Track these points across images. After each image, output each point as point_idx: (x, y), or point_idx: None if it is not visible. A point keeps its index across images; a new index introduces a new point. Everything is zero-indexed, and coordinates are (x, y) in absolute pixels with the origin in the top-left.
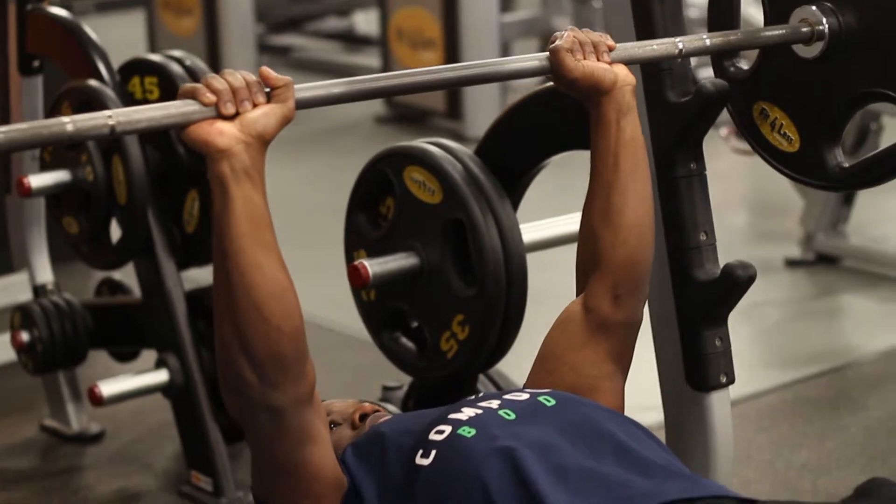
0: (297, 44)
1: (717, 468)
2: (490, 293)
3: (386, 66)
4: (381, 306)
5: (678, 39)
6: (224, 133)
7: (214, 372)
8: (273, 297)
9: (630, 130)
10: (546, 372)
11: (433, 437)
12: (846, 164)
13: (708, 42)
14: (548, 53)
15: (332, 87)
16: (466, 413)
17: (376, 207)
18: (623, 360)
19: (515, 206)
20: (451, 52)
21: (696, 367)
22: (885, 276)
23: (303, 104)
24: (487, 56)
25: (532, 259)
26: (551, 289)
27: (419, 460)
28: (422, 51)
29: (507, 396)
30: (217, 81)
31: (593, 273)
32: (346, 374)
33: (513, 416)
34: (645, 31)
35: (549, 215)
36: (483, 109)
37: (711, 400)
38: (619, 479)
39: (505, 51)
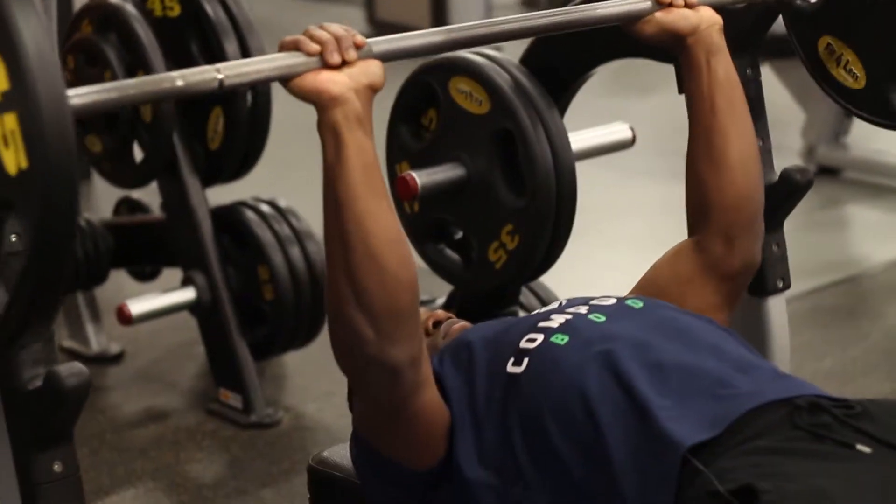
0: None
1: None
2: (541, 202)
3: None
4: (425, 218)
5: None
6: (336, 81)
7: (240, 289)
8: (389, 244)
9: (722, 70)
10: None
11: (525, 345)
12: None
13: None
14: None
15: (430, 35)
16: (556, 320)
17: (418, 119)
18: (731, 299)
19: (561, 116)
20: None
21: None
22: (886, 187)
23: (392, 57)
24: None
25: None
26: (591, 199)
27: (511, 368)
28: None
29: (594, 302)
30: (319, 32)
31: (704, 217)
32: None
33: (602, 319)
34: None
35: (587, 125)
36: None
37: (769, 305)
38: (721, 378)
39: None
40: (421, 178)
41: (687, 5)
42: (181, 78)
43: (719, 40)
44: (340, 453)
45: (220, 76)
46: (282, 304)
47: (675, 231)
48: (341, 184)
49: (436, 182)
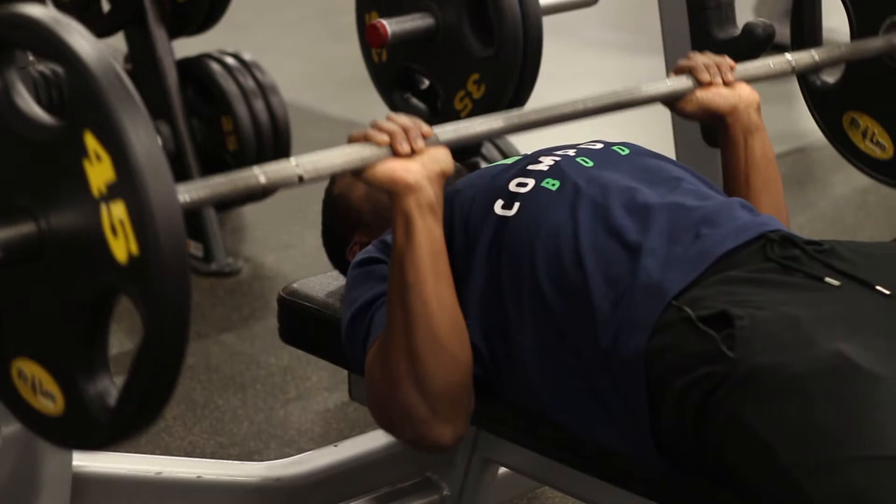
0: None
1: None
2: (508, 52)
3: None
4: (392, 67)
5: (789, 56)
6: (410, 170)
7: (204, 140)
8: (451, 327)
9: (759, 149)
10: None
11: (515, 189)
12: None
13: (816, 57)
14: (685, 77)
15: (491, 122)
16: (545, 162)
17: None
18: None
19: None
20: None
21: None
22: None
23: (458, 143)
24: None
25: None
26: (545, 67)
27: (501, 210)
28: None
29: (581, 146)
30: (387, 124)
31: None
32: (317, 149)
33: (591, 164)
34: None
35: None
36: None
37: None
38: (705, 216)
39: None
40: (391, 25)
41: (725, 83)
42: (264, 175)
43: (757, 119)
44: (310, 285)
45: (299, 171)
46: (245, 155)
47: None
48: (410, 267)
49: (405, 30)
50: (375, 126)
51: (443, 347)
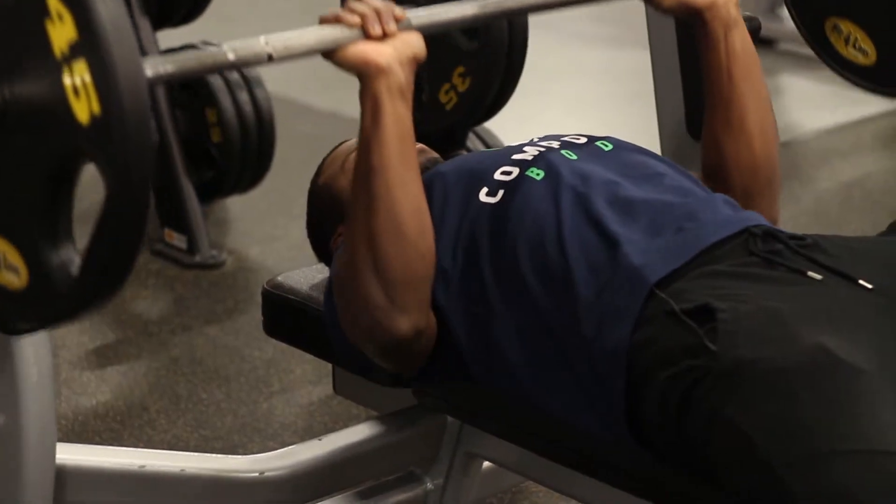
0: None
1: None
2: (493, 46)
3: None
4: None
5: None
6: (382, 53)
7: (188, 131)
8: (413, 215)
9: (739, 43)
10: None
11: (500, 177)
12: None
13: None
14: None
15: (465, 8)
16: (530, 152)
17: None
18: None
19: None
20: None
21: (696, 117)
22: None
23: (430, 29)
24: None
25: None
26: (533, 61)
27: (485, 198)
28: None
29: (565, 139)
30: (359, 5)
31: (722, 181)
32: (306, 144)
33: (574, 157)
34: None
35: None
36: None
37: None
38: (687, 212)
39: None
40: None
41: None
42: (233, 52)
43: (736, 14)
44: (294, 278)
45: (268, 49)
46: (229, 147)
47: (612, 93)
48: (376, 151)
49: None
50: (347, 7)
51: (403, 234)
